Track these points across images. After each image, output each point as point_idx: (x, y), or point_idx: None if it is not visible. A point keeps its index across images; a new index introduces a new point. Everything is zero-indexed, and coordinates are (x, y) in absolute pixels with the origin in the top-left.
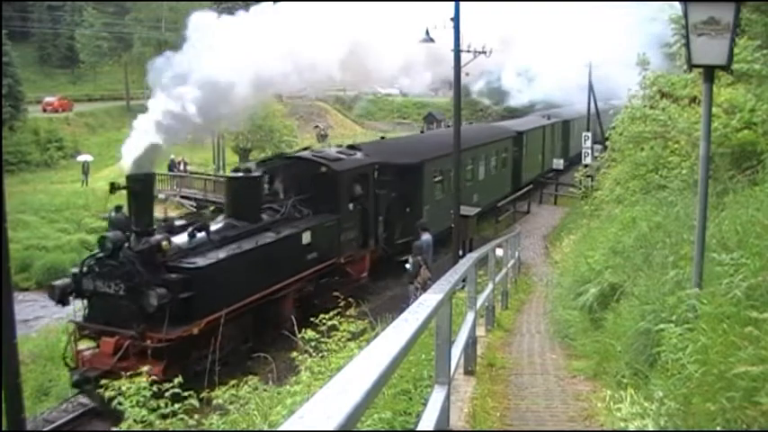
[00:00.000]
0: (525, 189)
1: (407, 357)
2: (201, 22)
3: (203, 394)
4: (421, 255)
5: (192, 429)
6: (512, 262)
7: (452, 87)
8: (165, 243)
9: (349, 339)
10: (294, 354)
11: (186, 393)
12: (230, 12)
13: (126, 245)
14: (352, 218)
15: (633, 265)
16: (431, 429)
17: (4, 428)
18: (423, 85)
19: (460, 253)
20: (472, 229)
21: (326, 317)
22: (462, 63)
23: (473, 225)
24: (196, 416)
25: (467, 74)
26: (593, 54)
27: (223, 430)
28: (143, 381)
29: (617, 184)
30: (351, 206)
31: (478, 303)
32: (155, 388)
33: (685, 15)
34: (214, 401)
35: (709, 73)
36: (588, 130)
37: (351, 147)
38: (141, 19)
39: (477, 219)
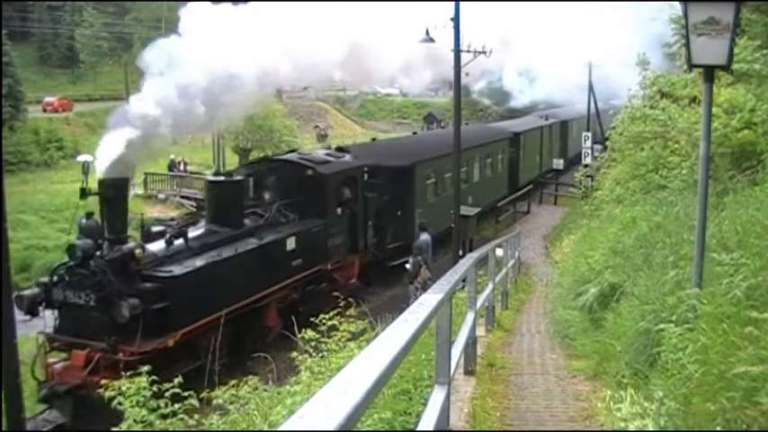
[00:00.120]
0: (522, 191)
1: (407, 357)
2: (196, 12)
3: (203, 394)
4: (421, 255)
5: (192, 429)
6: (512, 262)
7: (452, 87)
8: (138, 251)
9: (349, 339)
10: (294, 354)
11: (186, 393)
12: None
13: (98, 253)
14: (340, 222)
15: (633, 265)
16: (431, 429)
17: (4, 428)
18: (422, 84)
19: (460, 253)
20: (472, 229)
21: (326, 317)
22: (462, 63)
23: (473, 225)
24: (196, 416)
25: (467, 74)
26: (594, 54)
27: (223, 430)
28: (143, 381)
29: (617, 184)
30: (339, 210)
31: (478, 303)
32: (155, 388)
33: (685, 15)
34: (214, 401)
35: (709, 73)
36: (588, 129)
37: (339, 149)
38: (141, 19)
39: (476, 219)
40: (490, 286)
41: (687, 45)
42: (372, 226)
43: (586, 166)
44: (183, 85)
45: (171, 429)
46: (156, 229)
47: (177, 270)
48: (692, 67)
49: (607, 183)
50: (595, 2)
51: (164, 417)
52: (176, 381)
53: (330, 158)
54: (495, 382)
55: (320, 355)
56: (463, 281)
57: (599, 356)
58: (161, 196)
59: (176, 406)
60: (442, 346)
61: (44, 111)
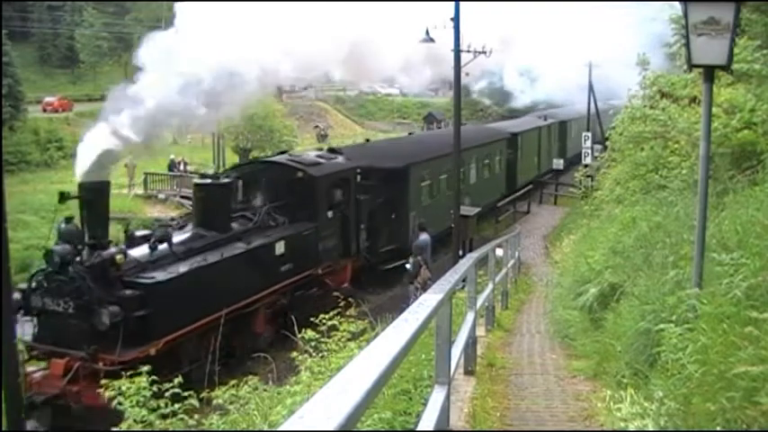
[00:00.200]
0: (520, 192)
1: (407, 357)
2: (192, 7)
3: (203, 394)
4: (421, 255)
5: (192, 429)
6: (512, 262)
7: (452, 87)
8: (119, 257)
9: (349, 339)
10: (294, 354)
11: (186, 393)
12: None
13: (77, 259)
14: (332, 226)
15: (633, 265)
16: (431, 429)
17: (4, 428)
18: (422, 83)
19: (460, 253)
20: (472, 229)
21: (326, 317)
22: (462, 63)
23: (473, 225)
24: (196, 416)
25: (467, 74)
26: (594, 54)
27: (223, 430)
28: (143, 381)
29: (617, 184)
30: (330, 213)
31: (478, 303)
32: (155, 388)
33: (685, 15)
34: (214, 401)
35: (709, 73)
36: (588, 130)
37: (331, 150)
38: (141, 19)
39: (476, 219)
40: (490, 286)
41: (687, 45)
42: (365, 229)
43: (586, 166)
44: (175, 81)
45: (171, 429)
46: (139, 233)
47: (160, 276)
48: (692, 67)
49: (607, 183)
50: (595, 2)
51: (164, 417)
52: (176, 381)
53: (321, 160)
54: (495, 382)
55: (320, 355)
56: (463, 281)
57: (599, 356)
58: (161, 196)
59: (176, 406)
60: (442, 346)
61: (44, 111)
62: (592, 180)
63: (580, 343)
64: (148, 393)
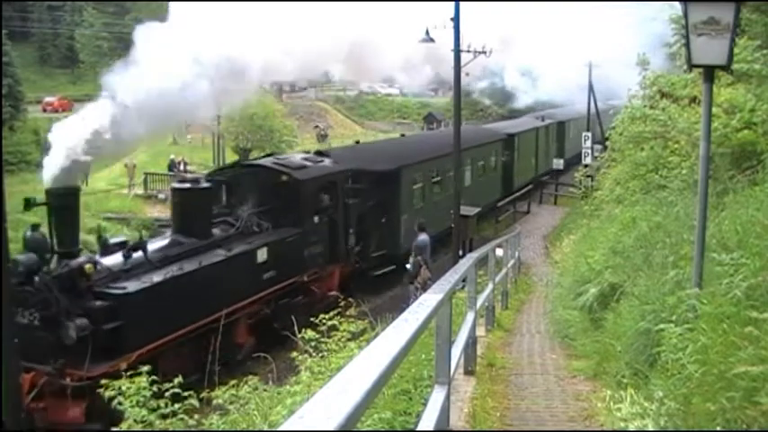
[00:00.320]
0: (517, 194)
1: (407, 357)
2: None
3: (203, 394)
4: (421, 255)
5: (192, 429)
6: (512, 262)
7: (451, 87)
8: (88, 266)
9: (349, 339)
10: (294, 354)
11: (186, 393)
12: None
13: (45, 269)
14: (318, 231)
15: (633, 265)
16: (431, 429)
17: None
18: (422, 83)
19: (460, 253)
20: (472, 229)
21: (326, 317)
22: (462, 63)
23: (473, 225)
24: (196, 416)
25: (467, 74)
26: (594, 54)
27: (223, 430)
28: (143, 381)
29: (617, 184)
30: (316, 218)
31: (478, 303)
32: (155, 388)
33: (685, 15)
34: (214, 401)
35: (709, 73)
36: (588, 130)
37: (319, 153)
38: (141, 19)
39: (477, 219)
40: (490, 286)
41: (687, 45)
42: (354, 234)
43: (586, 166)
44: (158, 78)
45: (171, 429)
46: (114, 240)
47: (132, 286)
48: (692, 67)
49: (607, 183)
50: (596, 2)
51: (164, 417)
52: (176, 381)
53: (307, 163)
54: (495, 382)
55: (320, 355)
56: (463, 281)
57: (599, 356)
58: (161, 196)
59: (176, 406)
60: (442, 346)
61: (44, 111)
62: (592, 180)
63: (580, 343)
64: (148, 393)
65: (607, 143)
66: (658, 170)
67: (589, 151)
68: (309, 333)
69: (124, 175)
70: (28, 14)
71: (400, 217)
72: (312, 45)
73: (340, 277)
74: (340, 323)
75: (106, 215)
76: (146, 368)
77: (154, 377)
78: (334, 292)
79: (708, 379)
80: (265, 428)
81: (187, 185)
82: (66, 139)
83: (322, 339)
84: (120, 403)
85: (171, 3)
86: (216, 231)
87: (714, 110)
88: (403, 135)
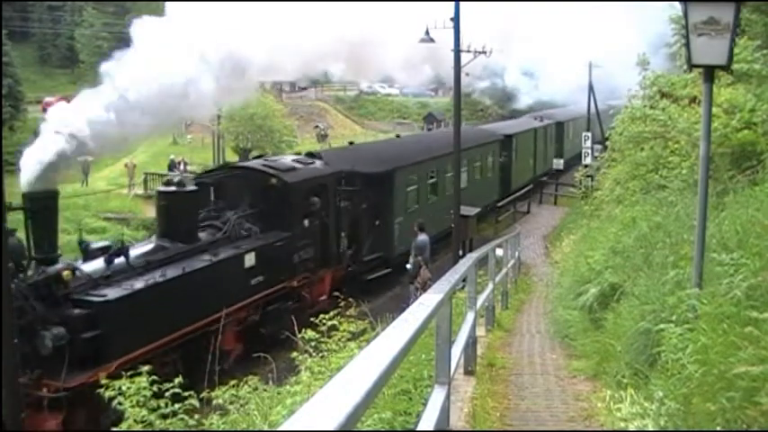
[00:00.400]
0: (514, 196)
1: (407, 357)
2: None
3: (203, 394)
4: (421, 255)
5: (192, 429)
6: (512, 262)
7: (452, 87)
8: (66, 272)
9: (349, 339)
10: (294, 354)
11: (186, 393)
12: None
13: (21, 276)
14: (308, 235)
15: (633, 265)
16: (431, 429)
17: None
18: (421, 82)
19: (460, 253)
20: (472, 229)
21: (326, 317)
22: (462, 63)
23: (473, 225)
24: (196, 416)
25: (467, 74)
26: (595, 54)
27: (223, 430)
28: (143, 381)
29: (617, 184)
30: (306, 222)
31: (478, 303)
32: (155, 388)
33: (685, 15)
34: (214, 401)
35: (709, 73)
36: (588, 130)
37: (310, 155)
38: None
39: (476, 219)
40: (490, 286)
41: (687, 45)
42: (347, 237)
43: (586, 166)
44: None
45: (171, 429)
46: (96, 245)
47: (111, 294)
48: (692, 67)
49: (607, 183)
50: (596, 1)
51: (164, 417)
52: (176, 381)
53: (297, 165)
54: (495, 382)
55: (320, 355)
56: (463, 281)
57: (599, 356)
58: None
59: (176, 406)
60: (442, 346)
61: (44, 111)
62: (592, 180)
63: (580, 343)
64: (148, 393)
65: (607, 143)
66: (658, 170)
67: (589, 151)
68: (309, 333)
69: (124, 175)
70: (28, 14)
71: (394, 219)
72: (312, 44)
73: (332, 282)
74: (340, 323)
75: (106, 215)
76: (146, 368)
77: (154, 377)
78: (324, 298)
79: (708, 379)
80: (265, 428)
81: (172, 188)
82: (57, 124)
83: (322, 339)
84: (120, 403)
85: (169, 2)
86: (202, 235)
87: (714, 110)
88: (398, 136)
